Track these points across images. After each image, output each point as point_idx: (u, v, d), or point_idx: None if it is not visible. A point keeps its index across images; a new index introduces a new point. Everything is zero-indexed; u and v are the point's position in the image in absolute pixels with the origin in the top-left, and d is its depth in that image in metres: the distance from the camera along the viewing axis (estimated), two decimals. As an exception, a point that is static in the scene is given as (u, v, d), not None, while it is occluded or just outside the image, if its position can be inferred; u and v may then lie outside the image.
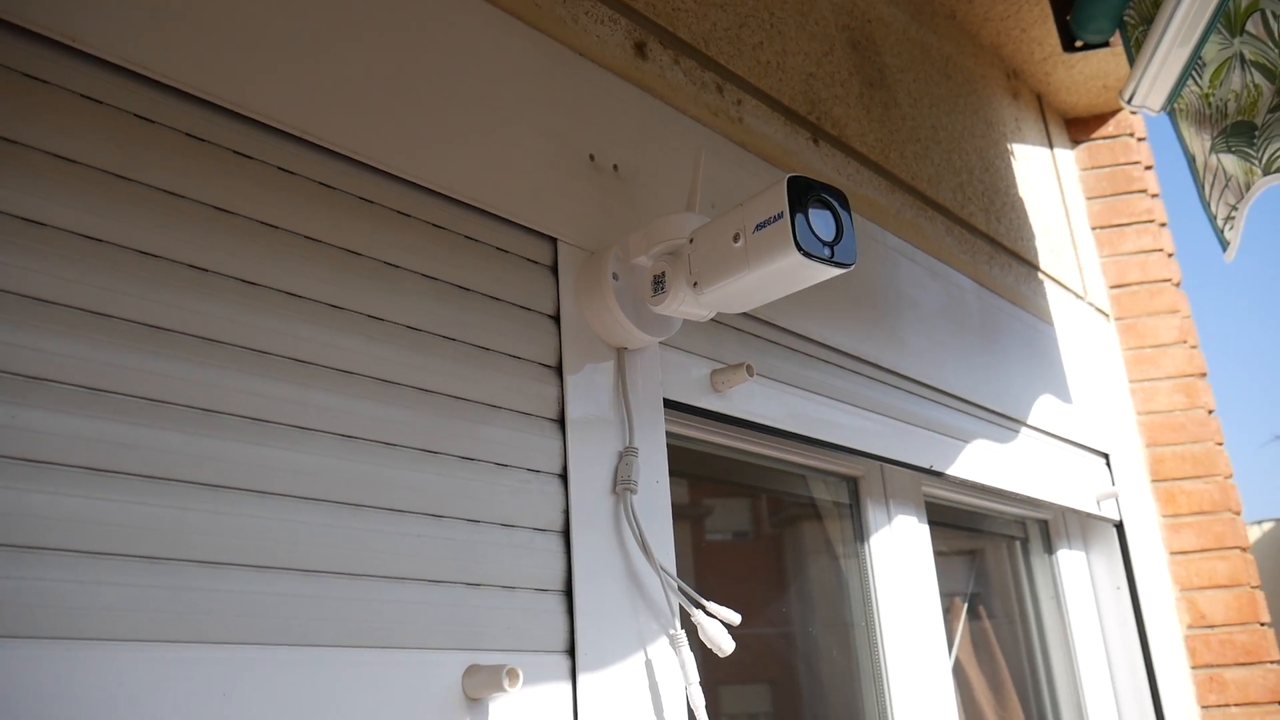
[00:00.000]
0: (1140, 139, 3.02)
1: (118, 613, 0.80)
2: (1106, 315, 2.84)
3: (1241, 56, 2.00)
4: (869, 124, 2.02)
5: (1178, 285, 2.88)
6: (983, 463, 2.02)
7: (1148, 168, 3.00)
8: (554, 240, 1.28)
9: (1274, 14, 1.85)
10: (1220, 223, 2.21)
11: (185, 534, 0.86)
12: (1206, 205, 2.27)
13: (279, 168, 1.02)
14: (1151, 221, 2.92)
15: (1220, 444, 2.74)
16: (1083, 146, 3.03)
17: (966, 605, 2.40)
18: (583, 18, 1.43)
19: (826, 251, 1.07)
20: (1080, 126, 3.04)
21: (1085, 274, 2.80)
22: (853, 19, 2.11)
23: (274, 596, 0.90)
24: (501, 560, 1.09)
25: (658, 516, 1.27)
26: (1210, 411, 2.76)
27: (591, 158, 1.36)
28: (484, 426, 1.12)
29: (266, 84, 1.01)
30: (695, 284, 1.16)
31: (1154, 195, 2.97)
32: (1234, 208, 2.14)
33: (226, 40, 0.99)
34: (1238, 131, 2.06)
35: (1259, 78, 1.97)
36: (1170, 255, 2.90)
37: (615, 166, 1.39)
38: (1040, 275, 2.53)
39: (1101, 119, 3.04)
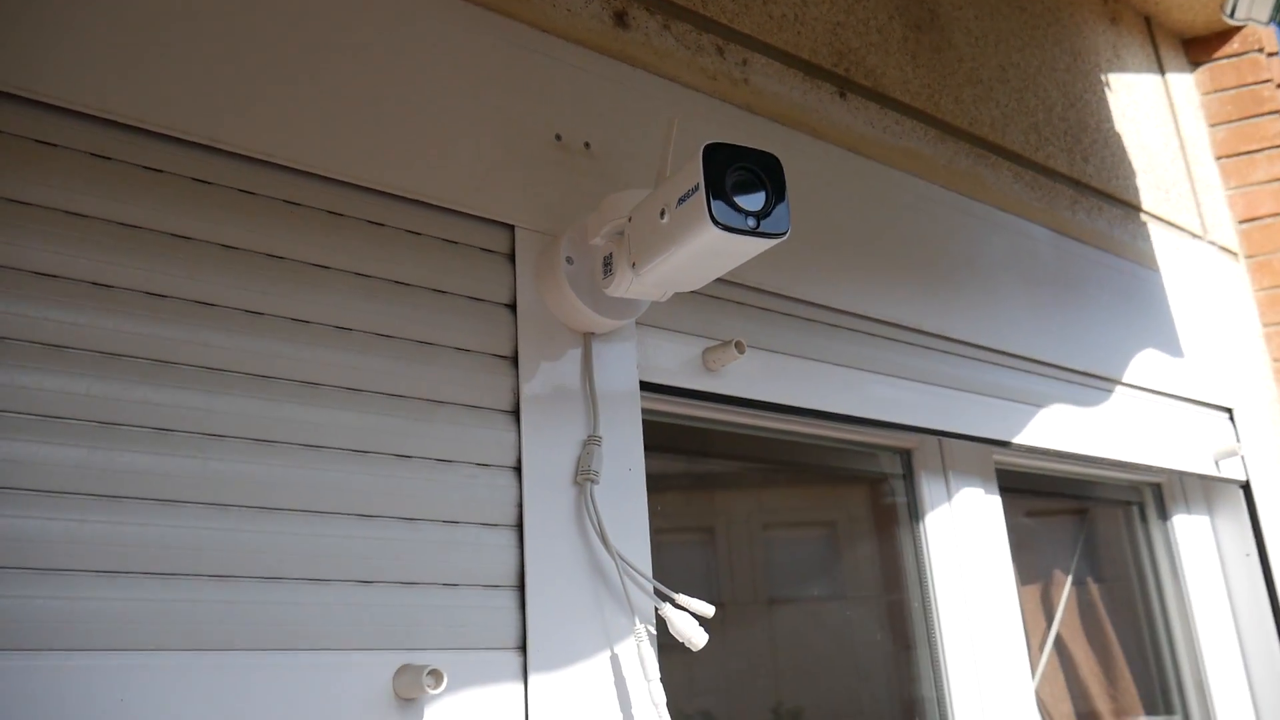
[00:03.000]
0: (1271, 54, 2.70)
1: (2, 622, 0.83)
2: (1234, 254, 2.57)
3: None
4: (914, 70, 1.89)
5: (1321, 213, 2.57)
6: (1063, 428, 1.86)
7: (1278, 85, 2.68)
8: (511, 227, 1.25)
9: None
10: None
11: (83, 544, 0.88)
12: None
13: (192, 178, 1.03)
14: (1287, 146, 2.61)
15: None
16: (1203, 68, 2.74)
17: (1071, 578, 2.24)
18: (551, -8, 1.38)
19: (750, 223, 1.00)
20: (1200, 46, 2.75)
21: (1205, 210, 2.53)
22: (895, -42, 1.97)
23: (183, 603, 0.92)
24: (442, 558, 1.08)
25: (629, 506, 1.23)
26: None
27: (558, 137, 1.32)
28: (421, 423, 1.11)
29: (170, 94, 1.02)
30: (634, 264, 1.11)
31: (1290, 116, 2.65)
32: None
33: (140, 55, 1.01)
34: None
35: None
36: (1309, 182, 2.59)
37: (586, 145, 1.34)
38: (1143, 216, 2.31)
39: (1224, 36, 2.73)
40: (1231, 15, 2.10)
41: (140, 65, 1.01)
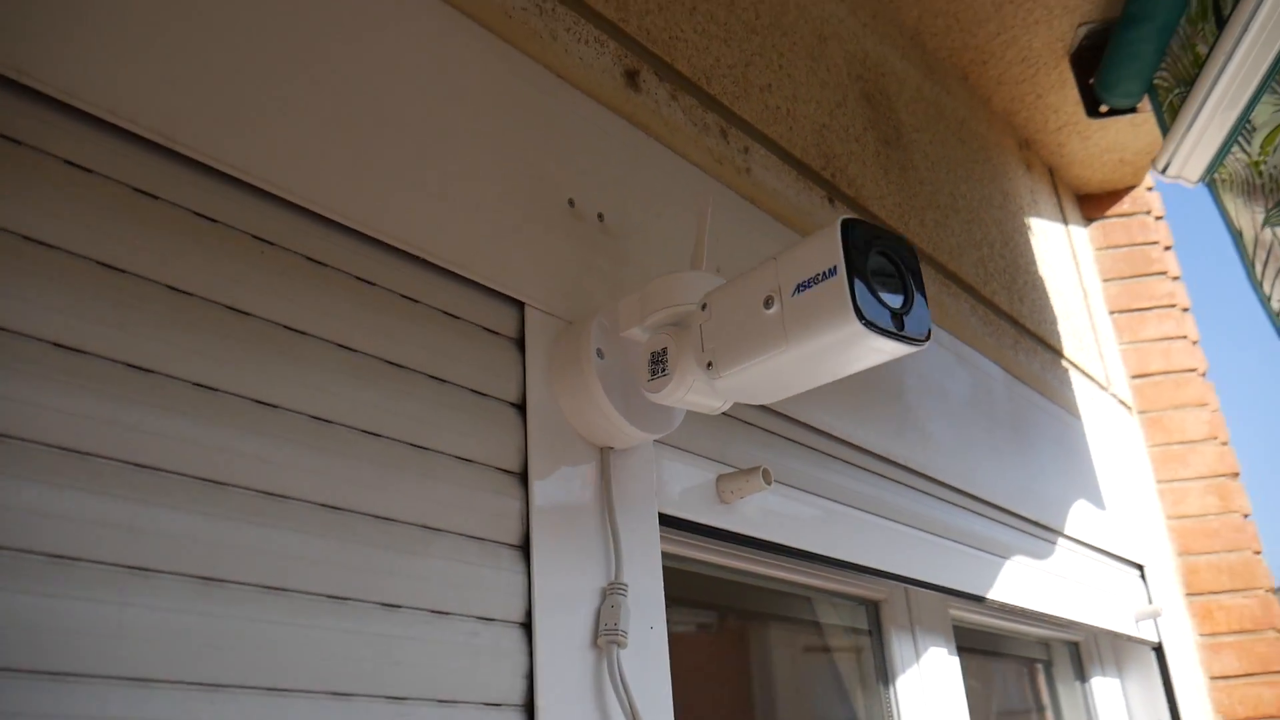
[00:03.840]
0: (1158, 217, 2.80)
1: None
2: (1129, 408, 2.58)
3: (1304, 118, 1.77)
4: (887, 186, 1.76)
5: (1204, 375, 2.63)
6: (1019, 581, 1.71)
7: (1167, 248, 2.77)
8: (521, 306, 0.98)
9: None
10: (1275, 304, 1.96)
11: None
12: (1258, 286, 2.02)
13: (134, 187, 0.71)
14: (1174, 306, 2.68)
15: (1259, 552, 2.46)
16: (1097, 224, 2.80)
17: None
18: (564, 35, 1.15)
19: (894, 323, 0.78)
20: (1094, 203, 2.82)
21: (1106, 362, 2.54)
22: (865, 69, 1.87)
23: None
24: (434, 755, 0.76)
25: (652, 674, 0.95)
26: (1246, 516, 2.49)
27: (571, 203, 1.07)
28: (415, 558, 0.80)
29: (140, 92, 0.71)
30: (710, 364, 0.86)
31: (1175, 278, 2.73)
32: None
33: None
34: (1302, 204, 1.82)
35: (1325, 141, 1.73)
36: (1195, 343, 2.66)
37: (600, 216, 1.10)
38: (1065, 363, 2.26)
39: (1116, 195, 2.82)
40: (1164, 171, 2.13)
41: (128, 65, 0.70)
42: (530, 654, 0.85)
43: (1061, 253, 2.55)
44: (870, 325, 0.76)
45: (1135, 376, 2.62)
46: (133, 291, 0.69)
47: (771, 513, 1.18)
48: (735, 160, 1.38)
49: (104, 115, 0.69)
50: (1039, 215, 2.50)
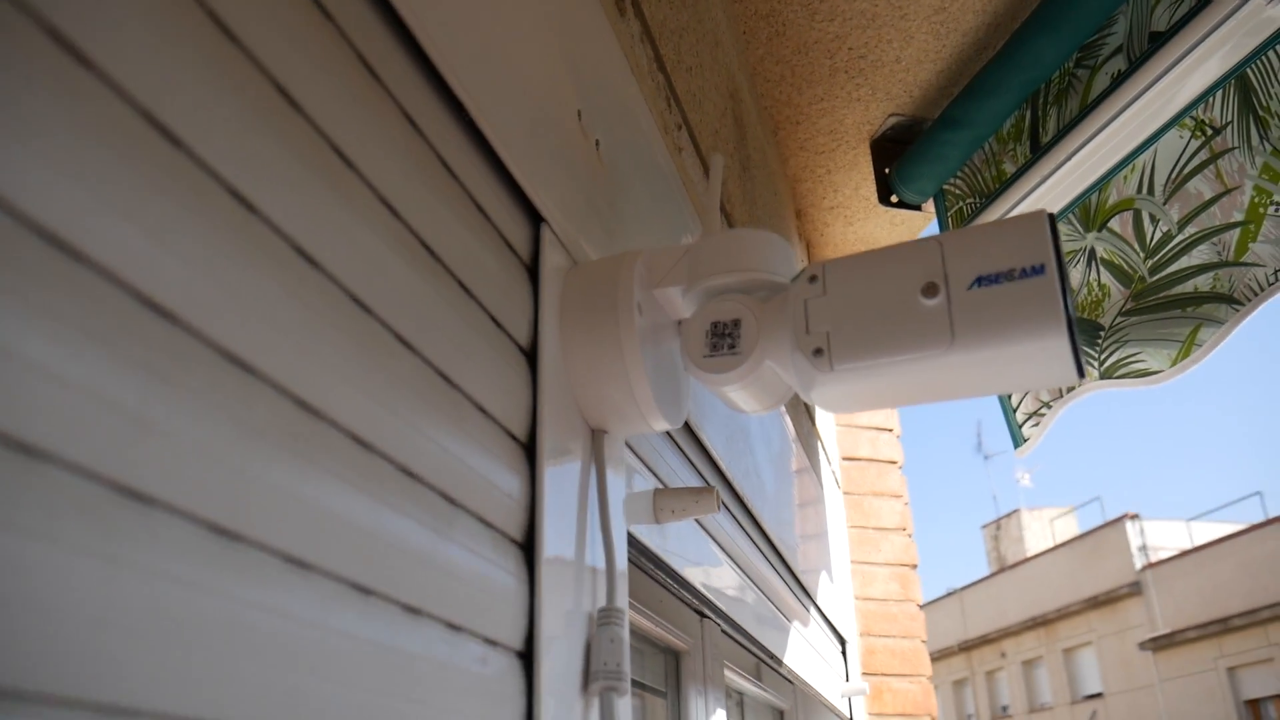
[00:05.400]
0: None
1: None
2: (839, 486, 2.67)
3: (1092, 252, 1.93)
4: (746, 213, 1.66)
5: (900, 469, 2.80)
6: (783, 633, 1.65)
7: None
8: (538, 222, 0.73)
9: (1151, 216, 1.78)
10: (1021, 417, 2.11)
11: None
12: (1005, 396, 2.16)
13: None
14: (891, 431, 2.84)
15: (924, 641, 2.62)
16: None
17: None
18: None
19: (1079, 338, 0.65)
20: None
21: (826, 442, 2.62)
22: (734, 90, 1.77)
23: None
24: None
25: (618, 735, 0.72)
26: (920, 606, 2.65)
27: (579, 116, 0.83)
28: (440, 541, 0.53)
29: None
30: (819, 351, 0.67)
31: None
32: (1046, 405, 2.04)
33: None
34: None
35: (1108, 278, 1.89)
36: (898, 437, 2.83)
37: (597, 143, 0.87)
38: (815, 432, 2.29)
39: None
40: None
41: None
42: (529, 696, 0.60)
43: (811, 326, 2.61)
44: (1073, 339, 0.62)
45: (846, 459, 2.72)
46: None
47: (687, 540, 1.00)
48: (674, 135, 1.20)
49: None
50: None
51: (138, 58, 0.36)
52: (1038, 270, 0.62)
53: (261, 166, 0.42)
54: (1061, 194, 1.93)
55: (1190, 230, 1.71)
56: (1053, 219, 0.64)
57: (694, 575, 1.14)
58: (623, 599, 0.71)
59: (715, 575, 1.23)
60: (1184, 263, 1.73)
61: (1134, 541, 18.60)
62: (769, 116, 2.26)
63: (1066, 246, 1.98)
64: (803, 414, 2.12)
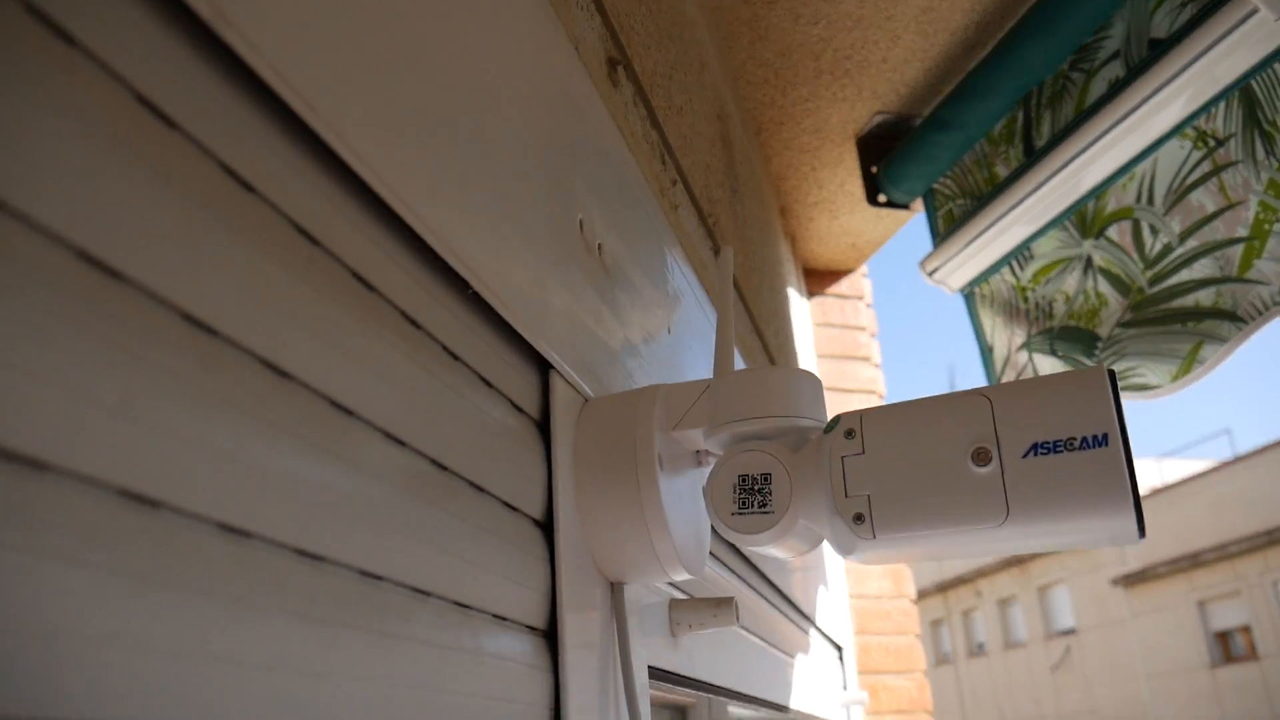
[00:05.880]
0: (869, 305, 2.93)
1: None
2: (829, 486, 2.64)
3: (1088, 260, 1.88)
4: (738, 242, 1.60)
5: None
6: (784, 676, 1.62)
7: (873, 335, 2.90)
8: (546, 369, 0.67)
9: (1151, 227, 1.73)
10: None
11: None
12: (985, 352, 2.13)
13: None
14: (873, 393, 2.80)
15: (918, 636, 2.62)
16: (817, 299, 2.86)
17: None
18: (567, -10, 0.84)
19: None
20: (816, 279, 2.88)
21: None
22: (720, 108, 1.70)
23: None
24: None
25: None
26: (914, 601, 2.64)
27: (581, 226, 0.77)
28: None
29: None
30: (859, 518, 0.62)
31: (876, 365, 2.87)
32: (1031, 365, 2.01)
33: None
34: (1071, 338, 1.93)
35: (1105, 287, 1.85)
36: (876, 365, 2.80)
37: (600, 247, 0.81)
38: (807, 441, 2.25)
39: (837, 275, 2.90)
40: (930, 274, 2.19)
41: None
42: None
43: (799, 324, 2.56)
44: (1141, 524, 0.57)
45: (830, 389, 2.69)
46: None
47: (707, 648, 0.95)
48: (669, 193, 1.13)
49: None
50: (789, 284, 2.49)
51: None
52: (1100, 441, 0.57)
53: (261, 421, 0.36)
54: (1057, 200, 1.87)
55: (1192, 244, 1.66)
56: (1113, 377, 0.59)
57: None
58: (653, 778, 0.67)
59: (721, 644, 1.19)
60: (1185, 276, 1.69)
61: (1105, 481, 18.86)
62: (751, 118, 2.19)
63: (1061, 253, 1.93)
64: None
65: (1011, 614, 20.71)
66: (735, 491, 0.66)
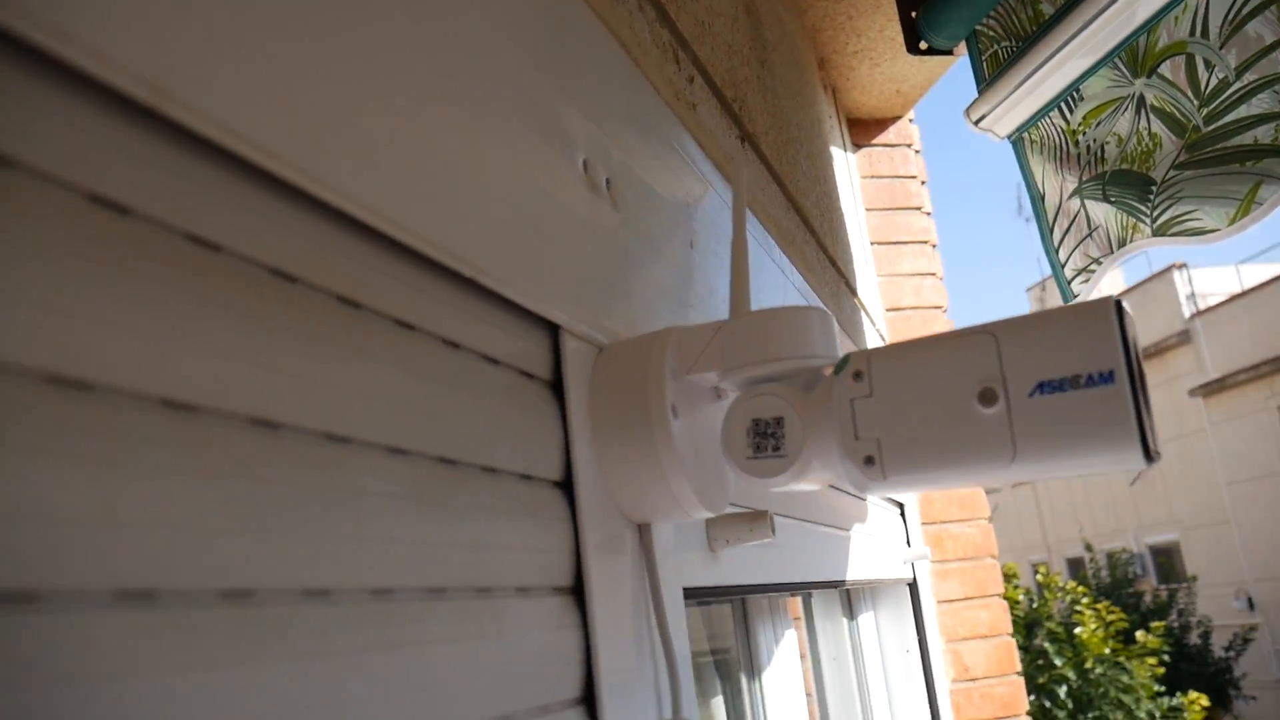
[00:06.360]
0: (918, 151, 2.84)
1: None
2: (885, 342, 2.63)
3: (1141, 99, 1.79)
4: (769, 119, 1.56)
5: (945, 313, 2.75)
6: (850, 553, 1.66)
7: (923, 183, 2.83)
8: (555, 330, 0.68)
9: (1206, 62, 1.64)
10: (1070, 272, 2.03)
11: None
12: (1053, 250, 2.07)
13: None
14: (926, 243, 2.75)
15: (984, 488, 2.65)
16: (864, 151, 2.79)
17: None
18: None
19: (1152, 440, 0.60)
20: (862, 129, 2.80)
21: (869, 297, 2.56)
22: (745, -26, 1.62)
23: None
24: None
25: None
26: (973, 450, 2.66)
27: (585, 166, 0.76)
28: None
29: None
30: (870, 459, 0.63)
31: (928, 214, 2.80)
32: (1096, 261, 1.96)
33: None
34: (1125, 182, 1.86)
35: (1160, 127, 1.76)
36: (941, 280, 2.76)
37: (608, 183, 0.80)
38: (858, 304, 2.23)
39: (882, 124, 2.81)
40: (976, 122, 2.11)
41: None
42: None
43: (844, 181, 2.50)
44: (1149, 455, 0.57)
45: (890, 310, 2.67)
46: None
47: (749, 555, 0.98)
48: (685, 94, 1.10)
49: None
50: (832, 141, 2.42)
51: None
52: (1106, 378, 0.57)
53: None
54: (1106, 38, 1.77)
55: (1249, 77, 1.57)
56: (1120, 309, 0.58)
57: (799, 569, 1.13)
58: (690, 709, 0.70)
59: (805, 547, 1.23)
60: (1242, 112, 1.60)
61: (1182, 291, 18.43)
62: (781, -28, 2.09)
63: (1113, 94, 1.84)
64: (846, 294, 2.07)
65: (1088, 430, 20.59)
66: (749, 436, 0.67)
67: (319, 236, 0.46)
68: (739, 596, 1.30)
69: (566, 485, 0.66)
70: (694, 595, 0.84)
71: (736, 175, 0.82)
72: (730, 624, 1.45)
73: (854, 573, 1.58)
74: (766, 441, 0.67)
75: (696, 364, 0.70)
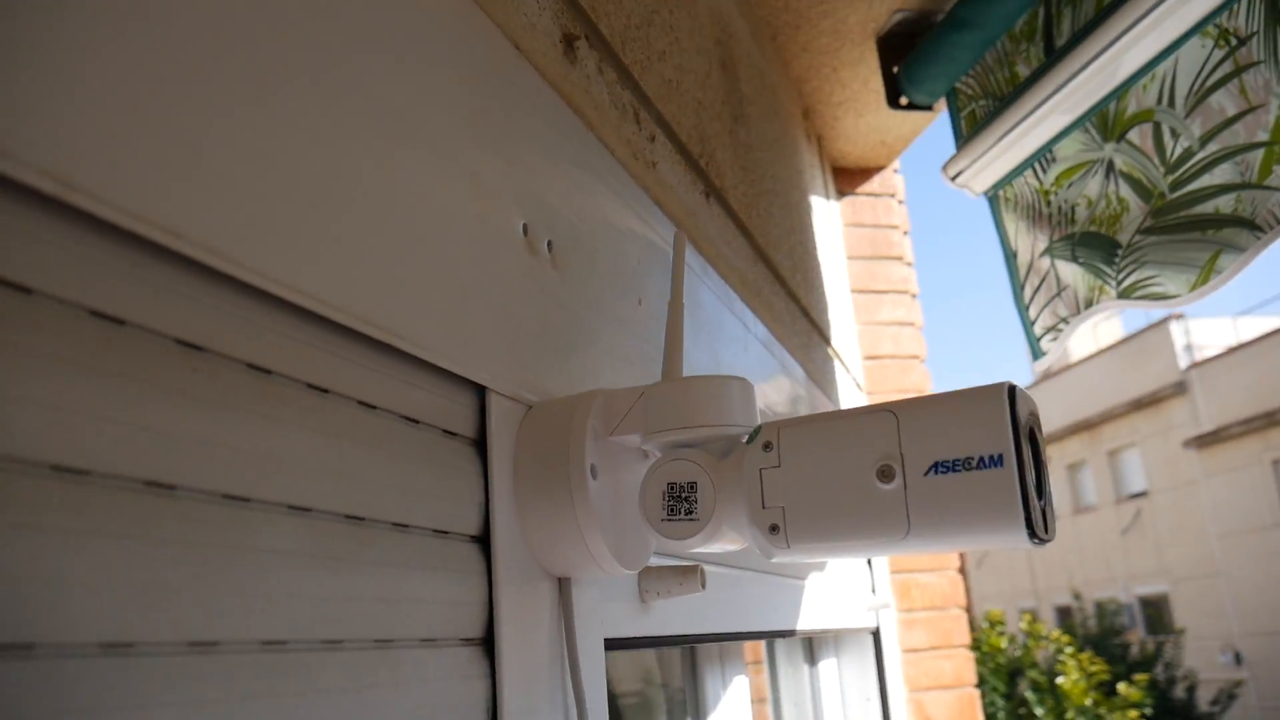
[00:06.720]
0: (900, 201, 2.88)
1: None
2: (860, 389, 2.66)
3: (1110, 164, 1.83)
4: (740, 173, 1.59)
5: (923, 362, 2.78)
6: (806, 601, 1.68)
7: (905, 233, 2.86)
8: (481, 391, 0.71)
9: (1172, 130, 1.67)
10: (1040, 330, 2.06)
11: None
12: (1024, 308, 2.11)
13: None
14: (906, 292, 2.79)
15: (951, 533, 2.66)
16: (847, 199, 2.83)
17: None
18: (507, -21, 0.84)
19: (1041, 523, 0.62)
20: (846, 177, 2.84)
21: (846, 346, 2.59)
22: (723, 32, 1.66)
23: None
24: None
25: None
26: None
27: (525, 230, 0.79)
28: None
29: None
30: (775, 528, 0.66)
31: (909, 264, 2.84)
32: (1064, 320, 1.99)
33: None
34: (1092, 244, 1.89)
35: (1127, 191, 1.80)
36: (920, 330, 2.79)
37: (550, 245, 0.83)
38: (830, 353, 2.26)
39: (867, 173, 2.86)
40: (953, 179, 2.14)
41: None
42: None
43: (824, 229, 2.54)
44: (1034, 537, 0.60)
45: (868, 358, 2.70)
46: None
47: (683, 605, 1.00)
48: (645, 153, 1.14)
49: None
50: (813, 189, 2.46)
51: None
52: (996, 461, 0.59)
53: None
54: (1078, 101, 1.81)
55: (1212, 148, 1.61)
56: (1013, 394, 0.61)
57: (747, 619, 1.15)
58: (598, 758, 0.72)
59: (754, 599, 1.25)
60: (1205, 181, 1.63)
61: (1179, 341, 18.51)
62: (765, 25, 2.13)
63: (1084, 156, 1.88)
64: (818, 344, 2.09)
65: (1081, 478, 20.65)
66: (664, 499, 0.70)
67: (228, 307, 0.48)
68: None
69: (484, 540, 0.68)
70: (621, 646, 0.86)
71: (677, 243, 0.85)
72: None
73: (809, 621, 1.60)
74: (680, 505, 0.69)
75: (620, 426, 0.73)
